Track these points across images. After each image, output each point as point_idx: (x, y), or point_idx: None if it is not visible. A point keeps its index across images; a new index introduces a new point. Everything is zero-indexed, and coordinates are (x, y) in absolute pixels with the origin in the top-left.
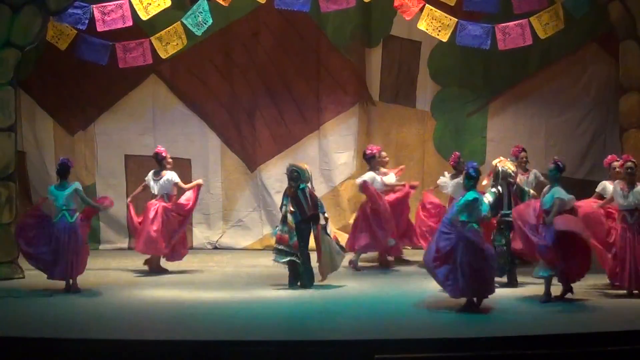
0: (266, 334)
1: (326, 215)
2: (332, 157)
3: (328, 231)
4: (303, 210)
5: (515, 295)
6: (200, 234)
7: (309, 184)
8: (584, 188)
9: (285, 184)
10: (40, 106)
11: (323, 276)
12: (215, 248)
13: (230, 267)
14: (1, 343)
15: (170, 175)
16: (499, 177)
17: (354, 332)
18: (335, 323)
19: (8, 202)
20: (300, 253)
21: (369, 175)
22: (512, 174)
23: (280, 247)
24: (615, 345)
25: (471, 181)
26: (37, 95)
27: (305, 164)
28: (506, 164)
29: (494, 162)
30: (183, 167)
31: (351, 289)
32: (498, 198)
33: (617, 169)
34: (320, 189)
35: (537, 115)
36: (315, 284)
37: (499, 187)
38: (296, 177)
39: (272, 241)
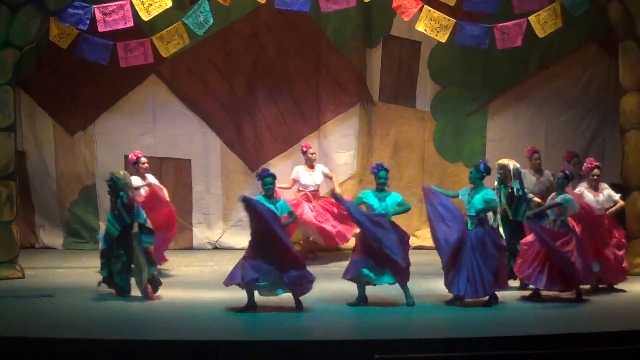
0: (266, 334)
1: (147, 225)
2: (333, 157)
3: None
4: (122, 219)
5: (515, 295)
6: (200, 234)
7: (129, 192)
8: None
9: (286, 184)
10: (40, 106)
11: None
12: (215, 248)
13: (230, 267)
14: (1, 343)
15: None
16: (514, 175)
17: (354, 332)
18: (335, 323)
19: (8, 200)
20: (120, 263)
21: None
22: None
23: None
24: (615, 345)
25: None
26: (37, 95)
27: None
28: (515, 163)
29: (503, 162)
30: (183, 167)
31: (351, 289)
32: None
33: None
34: (320, 189)
35: (537, 115)
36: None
37: (515, 185)
38: (112, 186)
39: None
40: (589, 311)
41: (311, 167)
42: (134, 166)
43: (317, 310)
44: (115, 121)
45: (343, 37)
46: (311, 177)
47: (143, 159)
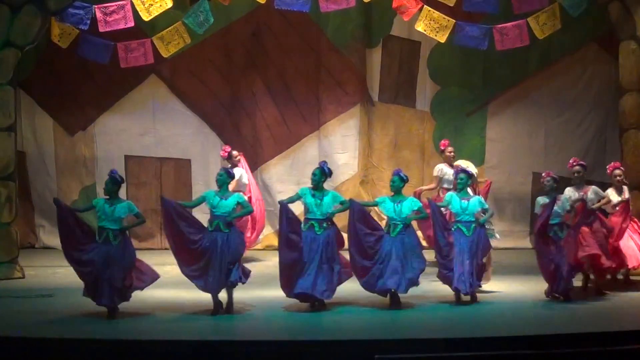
0: (266, 334)
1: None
2: (333, 158)
3: None
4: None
5: (515, 295)
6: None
7: None
8: None
9: (286, 184)
10: (40, 106)
11: None
12: None
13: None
14: (1, 343)
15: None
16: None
17: (354, 332)
18: (335, 323)
19: (8, 201)
20: None
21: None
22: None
23: None
24: (615, 345)
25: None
26: (37, 95)
27: None
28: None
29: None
30: (183, 167)
31: (351, 289)
32: None
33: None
34: None
35: (537, 115)
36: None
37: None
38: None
39: (273, 241)
40: (589, 311)
41: (451, 165)
42: (228, 161)
43: (317, 311)
44: (115, 121)
45: (343, 37)
46: None
47: (234, 152)
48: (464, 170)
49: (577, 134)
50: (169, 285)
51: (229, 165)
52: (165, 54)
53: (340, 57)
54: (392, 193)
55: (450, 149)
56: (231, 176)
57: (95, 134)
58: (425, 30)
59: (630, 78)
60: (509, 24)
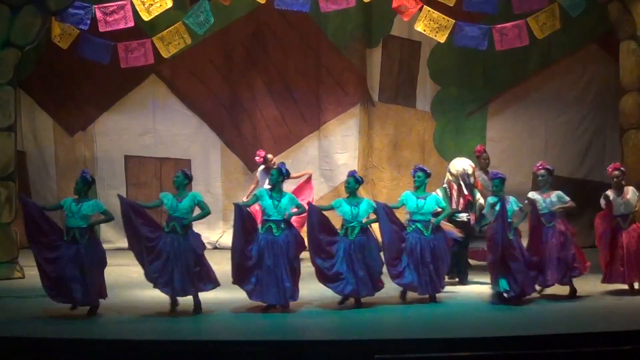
0: (266, 334)
1: None
2: (333, 158)
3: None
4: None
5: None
6: (200, 234)
7: None
8: (584, 188)
9: (286, 185)
10: (40, 106)
11: None
12: (215, 248)
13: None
14: (1, 343)
15: None
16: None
17: (354, 332)
18: (335, 323)
19: (8, 201)
20: None
21: None
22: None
23: None
24: (615, 345)
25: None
26: (37, 95)
27: None
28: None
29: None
30: (183, 167)
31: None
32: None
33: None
34: (321, 189)
35: (537, 115)
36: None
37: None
38: None
39: None
40: (589, 311)
41: (487, 171)
42: (264, 165)
43: (317, 311)
44: (115, 121)
45: (343, 37)
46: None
47: (269, 156)
48: (422, 169)
49: (577, 134)
50: None
51: (261, 168)
52: (165, 54)
53: (340, 57)
54: (348, 195)
55: (485, 155)
56: (188, 178)
57: (95, 134)
58: (424, 31)
59: (630, 78)
60: (508, 24)
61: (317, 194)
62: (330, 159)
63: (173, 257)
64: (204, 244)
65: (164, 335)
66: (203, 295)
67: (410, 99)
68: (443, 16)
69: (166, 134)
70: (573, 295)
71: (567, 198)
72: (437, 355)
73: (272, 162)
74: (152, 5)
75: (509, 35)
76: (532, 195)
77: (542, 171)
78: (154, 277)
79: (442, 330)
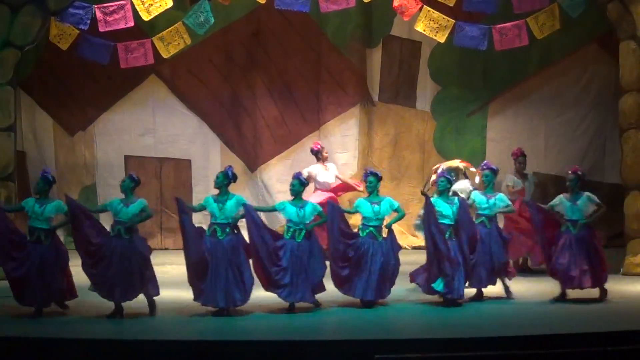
0: (266, 334)
1: None
2: (333, 158)
3: None
4: None
5: (514, 294)
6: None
7: None
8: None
9: (286, 184)
10: (40, 106)
11: None
12: None
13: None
14: (1, 343)
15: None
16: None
17: (354, 332)
18: (335, 323)
19: (8, 201)
20: None
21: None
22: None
23: None
24: (615, 345)
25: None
26: (37, 95)
27: None
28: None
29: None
30: (183, 167)
31: None
32: None
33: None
34: None
35: (537, 115)
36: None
37: None
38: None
39: None
40: (589, 311)
41: (522, 175)
42: (316, 155)
43: (317, 311)
44: (115, 121)
45: (343, 37)
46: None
47: (323, 150)
48: (373, 173)
49: (577, 134)
50: (169, 286)
51: (317, 160)
52: (165, 54)
53: (340, 57)
54: (292, 197)
55: (521, 158)
56: (134, 181)
57: (95, 134)
58: (424, 30)
59: (630, 78)
60: (508, 24)
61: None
62: (330, 159)
63: (118, 261)
64: (149, 247)
65: (164, 335)
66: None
67: (410, 99)
68: (443, 16)
69: (166, 134)
70: (478, 297)
71: (509, 202)
72: (437, 355)
73: (326, 154)
74: (152, 5)
75: (508, 35)
76: (475, 194)
77: (487, 171)
78: (96, 282)
79: (442, 330)
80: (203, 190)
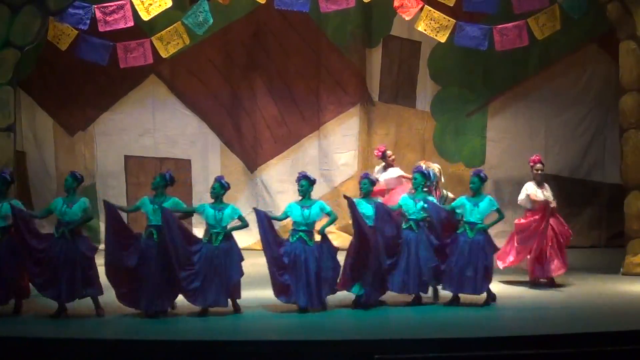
0: (266, 334)
1: None
2: (333, 158)
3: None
4: None
5: (514, 295)
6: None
7: None
8: (584, 188)
9: (286, 184)
10: (40, 106)
11: None
12: None
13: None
14: (1, 343)
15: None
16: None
17: (354, 332)
18: (335, 323)
19: None
20: None
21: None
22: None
23: None
24: (615, 345)
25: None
26: (37, 95)
27: None
28: (432, 166)
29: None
30: (183, 167)
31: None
32: None
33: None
34: (320, 189)
35: (537, 115)
36: None
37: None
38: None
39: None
40: (589, 311)
41: (539, 183)
42: (382, 161)
43: (318, 311)
44: (115, 121)
45: (343, 37)
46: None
47: (388, 152)
48: (306, 176)
49: (577, 134)
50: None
51: (382, 165)
52: (164, 54)
53: (340, 57)
54: (214, 199)
55: (539, 165)
56: (78, 180)
57: (95, 134)
58: (425, 30)
59: (630, 78)
60: (509, 25)
61: (317, 194)
62: (330, 159)
63: (62, 262)
64: (94, 247)
65: (164, 335)
66: None
67: (410, 99)
68: (444, 16)
69: (166, 134)
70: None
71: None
72: (437, 355)
73: (391, 158)
74: (151, 5)
75: (509, 35)
76: (403, 198)
77: (416, 174)
78: (40, 283)
79: (442, 330)
80: (203, 190)
